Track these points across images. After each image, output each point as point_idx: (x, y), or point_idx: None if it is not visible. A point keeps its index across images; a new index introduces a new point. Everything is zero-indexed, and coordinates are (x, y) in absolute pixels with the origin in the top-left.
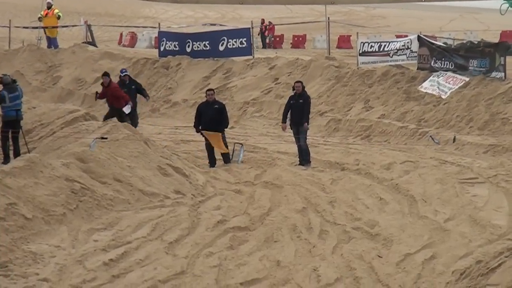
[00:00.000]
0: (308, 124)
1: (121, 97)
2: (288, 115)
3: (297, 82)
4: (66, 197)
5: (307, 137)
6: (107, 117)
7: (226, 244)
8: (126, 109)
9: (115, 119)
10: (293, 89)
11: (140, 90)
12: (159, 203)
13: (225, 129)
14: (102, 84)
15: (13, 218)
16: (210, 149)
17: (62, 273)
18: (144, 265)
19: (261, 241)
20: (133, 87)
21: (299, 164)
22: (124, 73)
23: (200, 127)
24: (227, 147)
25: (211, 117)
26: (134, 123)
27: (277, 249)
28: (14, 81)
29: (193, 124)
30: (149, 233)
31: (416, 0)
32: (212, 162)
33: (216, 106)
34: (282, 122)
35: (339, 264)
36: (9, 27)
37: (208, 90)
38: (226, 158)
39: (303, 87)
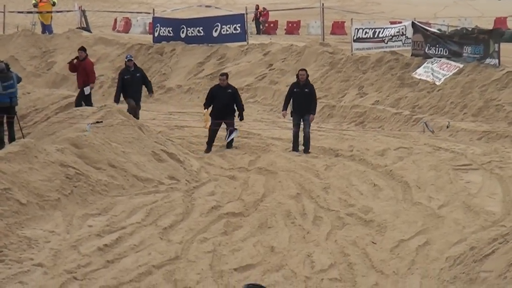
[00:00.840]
0: (314, 114)
1: (91, 73)
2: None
3: (301, 70)
4: (61, 182)
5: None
6: (78, 100)
7: (220, 229)
8: (86, 90)
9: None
10: (297, 77)
11: (146, 81)
12: (153, 189)
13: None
14: (77, 58)
15: (7, 203)
16: (213, 135)
17: (57, 258)
18: (139, 250)
19: (255, 227)
20: (138, 74)
21: (292, 150)
22: (129, 59)
23: (211, 113)
24: (231, 142)
25: (225, 101)
26: (136, 115)
27: (271, 235)
28: (8, 68)
29: (203, 104)
30: (143, 219)
31: None
32: (209, 148)
33: (229, 90)
34: (283, 110)
35: (333, 250)
36: (3, 12)
37: (221, 74)
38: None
39: (307, 76)
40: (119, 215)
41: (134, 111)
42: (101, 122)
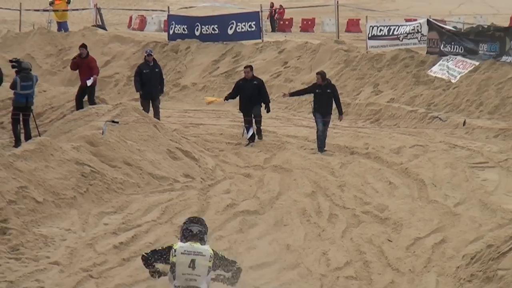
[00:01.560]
0: (342, 114)
1: (94, 68)
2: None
3: (317, 73)
4: (77, 180)
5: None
6: (80, 97)
7: (236, 227)
8: (89, 82)
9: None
10: (317, 79)
11: (161, 78)
12: (169, 187)
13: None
14: (79, 55)
15: (24, 202)
16: (248, 124)
17: (73, 256)
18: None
19: (270, 225)
20: (156, 70)
21: (318, 151)
22: (148, 53)
23: (239, 107)
24: (260, 133)
25: (250, 93)
26: (157, 114)
27: (286, 233)
28: (30, 69)
29: (225, 95)
30: (158, 217)
31: None
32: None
33: (254, 82)
34: (289, 94)
35: (349, 248)
36: (19, 10)
37: (245, 67)
38: (259, 133)
39: (324, 77)
40: (135, 213)
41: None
42: (118, 122)
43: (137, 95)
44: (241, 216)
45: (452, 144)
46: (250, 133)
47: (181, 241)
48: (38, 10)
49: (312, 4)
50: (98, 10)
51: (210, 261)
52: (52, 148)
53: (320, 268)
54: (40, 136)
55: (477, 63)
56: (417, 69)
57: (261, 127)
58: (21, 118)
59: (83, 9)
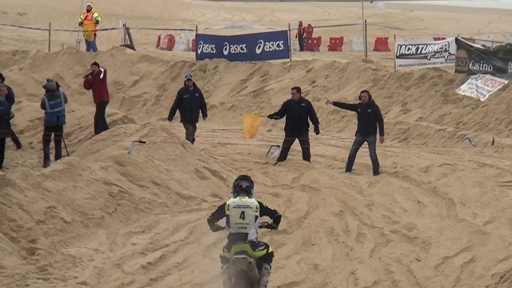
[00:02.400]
0: (383, 135)
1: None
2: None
3: (362, 92)
4: (105, 200)
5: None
6: (98, 117)
7: None
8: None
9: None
10: (360, 99)
11: (202, 102)
12: (197, 206)
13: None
14: (91, 73)
15: (52, 222)
16: (285, 152)
17: (101, 276)
18: (182, 268)
19: (298, 244)
20: (196, 95)
21: (346, 171)
22: (188, 78)
23: (285, 127)
24: (309, 154)
25: (299, 116)
26: (191, 137)
27: (314, 252)
28: (57, 87)
29: (271, 114)
30: (186, 237)
31: None
32: (283, 157)
33: (303, 104)
34: (333, 102)
35: (377, 267)
36: (49, 30)
37: (293, 88)
38: (307, 155)
39: (369, 97)
40: (163, 233)
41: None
42: (144, 142)
43: (165, 115)
44: (269, 236)
45: (481, 162)
46: (275, 154)
47: (233, 194)
48: (67, 30)
49: (341, 23)
50: (127, 29)
51: (256, 211)
52: (80, 168)
53: (348, 287)
54: (68, 156)
55: (506, 82)
56: (445, 87)
57: (291, 147)
58: (52, 138)
59: (112, 29)
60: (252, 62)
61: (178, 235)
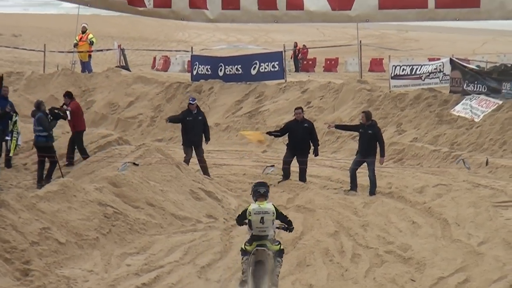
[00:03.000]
0: (384, 157)
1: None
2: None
3: (362, 112)
4: (99, 221)
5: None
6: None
7: None
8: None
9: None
10: (360, 118)
11: (205, 126)
12: (192, 227)
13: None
14: (64, 104)
15: (46, 243)
16: (286, 172)
17: None
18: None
19: (293, 264)
20: (200, 118)
21: (350, 190)
22: (191, 102)
23: (287, 144)
24: (305, 177)
25: (302, 136)
26: (203, 163)
27: (309, 273)
28: (38, 108)
29: (271, 131)
30: (181, 257)
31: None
32: (286, 175)
33: (305, 124)
34: (335, 125)
35: (372, 287)
36: (44, 51)
37: (296, 108)
38: (303, 175)
39: (368, 117)
40: (157, 254)
41: (203, 165)
42: (137, 164)
43: (161, 136)
44: None
45: (475, 183)
46: (272, 169)
47: (252, 198)
48: (62, 52)
49: (336, 44)
50: (122, 51)
51: (273, 216)
52: (75, 189)
53: None
54: (63, 177)
55: (500, 102)
56: (440, 108)
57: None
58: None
59: (107, 50)
60: (247, 83)
61: (173, 256)
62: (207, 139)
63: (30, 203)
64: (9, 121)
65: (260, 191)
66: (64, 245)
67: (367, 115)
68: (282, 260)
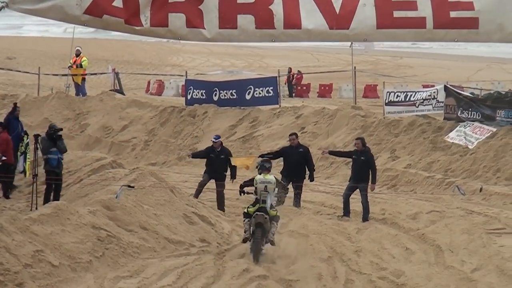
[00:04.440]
0: (375, 184)
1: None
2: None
3: (356, 139)
4: (93, 244)
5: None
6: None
7: None
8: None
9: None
10: (355, 145)
11: (231, 165)
12: (185, 251)
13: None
14: None
15: (40, 265)
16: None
17: None
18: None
19: None
20: (222, 156)
21: (343, 216)
22: (215, 140)
23: (282, 171)
24: (299, 202)
25: (297, 161)
26: (220, 199)
27: None
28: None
29: (264, 153)
30: (174, 281)
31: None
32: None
33: (300, 150)
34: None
35: None
36: (38, 74)
37: (291, 134)
38: (296, 200)
39: (363, 144)
40: (151, 278)
41: (219, 196)
42: (133, 187)
43: (154, 160)
44: (257, 281)
45: (469, 210)
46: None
47: (258, 172)
48: (56, 75)
49: (330, 70)
50: (116, 74)
51: (274, 185)
52: (68, 212)
53: None
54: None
55: (494, 129)
56: (434, 135)
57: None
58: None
59: (101, 74)
60: (242, 107)
61: (166, 280)
62: (232, 177)
63: (23, 225)
64: (20, 144)
65: (265, 166)
66: (57, 268)
67: (363, 141)
68: (276, 224)
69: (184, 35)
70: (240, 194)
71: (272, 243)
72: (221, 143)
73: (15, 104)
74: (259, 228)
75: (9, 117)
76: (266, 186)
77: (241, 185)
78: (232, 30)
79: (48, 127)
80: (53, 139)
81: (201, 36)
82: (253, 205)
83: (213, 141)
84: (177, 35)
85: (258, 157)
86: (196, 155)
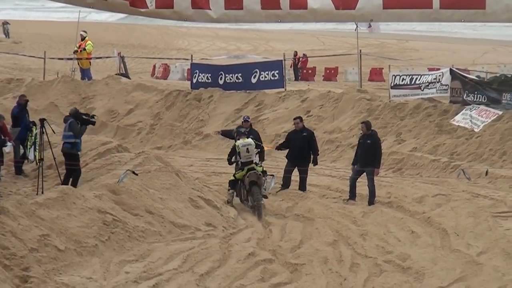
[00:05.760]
0: (379, 168)
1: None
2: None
3: (361, 123)
4: (98, 228)
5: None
6: None
7: (257, 276)
8: (7, 148)
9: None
10: (361, 129)
11: (258, 146)
12: (190, 235)
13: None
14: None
15: (46, 250)
16: (287, 181)
17: None
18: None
19: (292, 273)
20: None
21: (349, 199)
22: (245, 119)
23: (287, 155)
24: (305, 186)
25: (300, 145)
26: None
27: (308, 282)
28: (74, 115)
29: (278, 146)
30: (180, 265)
31: None
32: (286, 184)
33: (304, 134)
34: (352, 163)
35: None
36: (44, 58)
37: (295, 118)
38: (303, 185)
39: (367, 127)
40: (156, 262)
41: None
42: (137, 174)
43: (160, 144)
44: (263, 265)
45: (475, 193)
46: (272, 185)
47: (236, 137)
48: (62, 59)
49: (335, 53)
50: (122, 58)
51: (253, 146)
52: (74, 197)
53: None
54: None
55: (500, 113)
56: (440, 118)
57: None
58: None
59: (107, 58)
60: (247, 91)
61: (171, 264)
62: (261, 159)
63: (29, 210)
64: (30, 134)
65: (241, 131)
66: (63, 252)
67: (367, 125)
68: (265, 178)
69: (189, 16)
70: (230, 164)
71: (265, 196)
72: (251, 124)
73: (26, 100)
74: (255, 186)
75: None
76: (247, 148)
77: (228, 158)
78: (238, 10)
79: (79, 113)
80: (84, 123)
81: (206, 17)
82: (241, 168)
83: (243, 121)
84: (182, 16)
85: (276, 148)
86: (225, 133)
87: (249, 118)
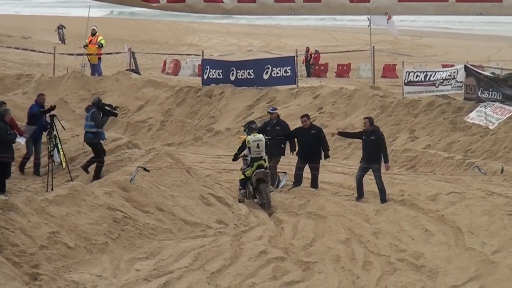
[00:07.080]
0: (388, 163)
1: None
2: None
3: (364, 118)
4: (108, 226)
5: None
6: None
7: (269, 274)
8: (21, 140)
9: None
10: (363, 125)
11: (292, 139)
12: (201, 233)
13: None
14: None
15: (55, 247)
16: (298, 178)
17: None
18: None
19: (304, 271)
20: (278, 128)
21: (357, 198)
22: (271, 111)
23: (297, 153)
24: (317, 181)
25: (310, 143)
26: (273, 167)
27: (320, 280)
28: (96, 105)
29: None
30: (191, 263)
31: None
32: (298, 181)
33: (313, 131)
34: (338, 132)
35: None
36: (53, 54)
37: (302, 116)
38: (315, 182)
39: (371, 123)
40: (167, 259)
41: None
42: (148, 171)
43: (170, 140)
44: (274, 263)
45: (489, 191)
46: (283, 182)
47: (247, 132)
48: (72, 54)
49: (348, 49)
50: (132, 54)
51: (264, 141)
52: (84, 193)
53: None
54: (72, 181)
55: None
56: (454, 115)
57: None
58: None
59: (117, 53)
60: (259, 88)
61: (182, 262)
62: (292, 149)
63: (39, 206)
64: (48, 136)
65: (252, 126)
66: (73, 250)
67: (370, 120)
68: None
69: (201, 8)
70: (234, 160)
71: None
72: (278, 115)
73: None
74: (263, 183)
75: (33, 109)
76: (258, 144)
77: (235, 153)
78: (251, 3)
79: (102, 103)
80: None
81: (219, 10)
82: (251, 165)
83: (270, 112)
84: (194, 9)
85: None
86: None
87: (275, 109)
